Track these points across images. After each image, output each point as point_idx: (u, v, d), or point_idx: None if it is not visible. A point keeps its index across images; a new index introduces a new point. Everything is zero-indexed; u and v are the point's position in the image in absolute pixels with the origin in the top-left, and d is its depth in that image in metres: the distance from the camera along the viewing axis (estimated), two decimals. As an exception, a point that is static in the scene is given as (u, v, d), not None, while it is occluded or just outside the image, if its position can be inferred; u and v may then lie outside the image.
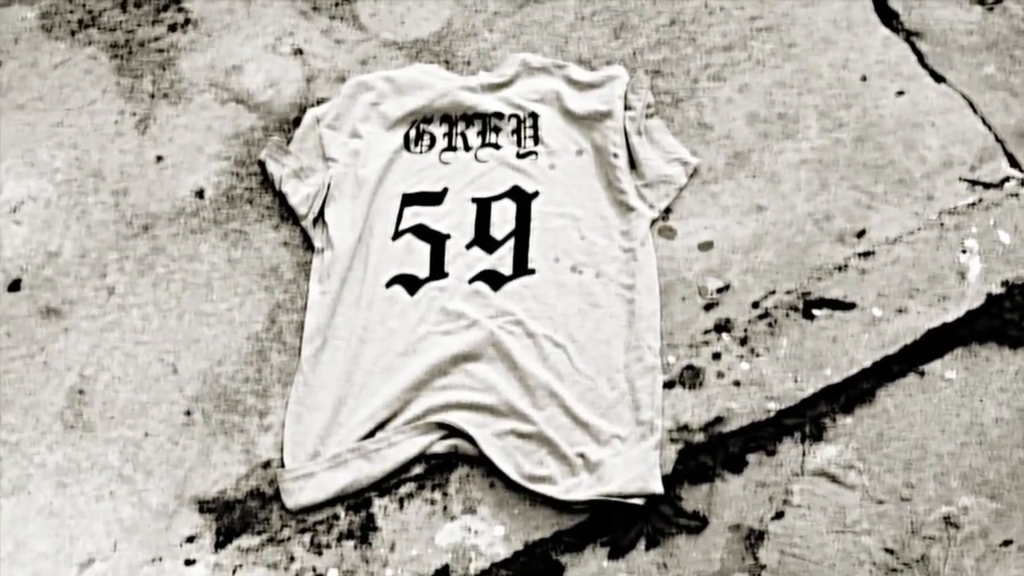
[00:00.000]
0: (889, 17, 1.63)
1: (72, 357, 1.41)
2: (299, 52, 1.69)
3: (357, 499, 1.29)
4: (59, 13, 1.77)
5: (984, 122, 1.51)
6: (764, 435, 1.31)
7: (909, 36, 1.61)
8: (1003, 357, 1.34)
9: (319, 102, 1.61)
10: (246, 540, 1.27)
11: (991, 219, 1.42)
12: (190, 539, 1.27)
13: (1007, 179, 1.46)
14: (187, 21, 1.74)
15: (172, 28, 1.73)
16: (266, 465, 1.32)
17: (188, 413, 1.36)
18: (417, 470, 1.31)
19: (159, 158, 1.58)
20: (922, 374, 1.34)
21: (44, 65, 1.70)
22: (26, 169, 1.57)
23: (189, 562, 1.26)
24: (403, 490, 1.30)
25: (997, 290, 1.37)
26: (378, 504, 1.29)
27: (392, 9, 1.73)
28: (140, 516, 1.29)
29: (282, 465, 1.31)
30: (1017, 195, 1.44)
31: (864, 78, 1.56)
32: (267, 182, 1.54)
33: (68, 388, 1.38)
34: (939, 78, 1.56)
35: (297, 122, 1.59)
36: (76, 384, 1.39)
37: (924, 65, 1.57)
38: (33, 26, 1.75)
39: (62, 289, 1.46)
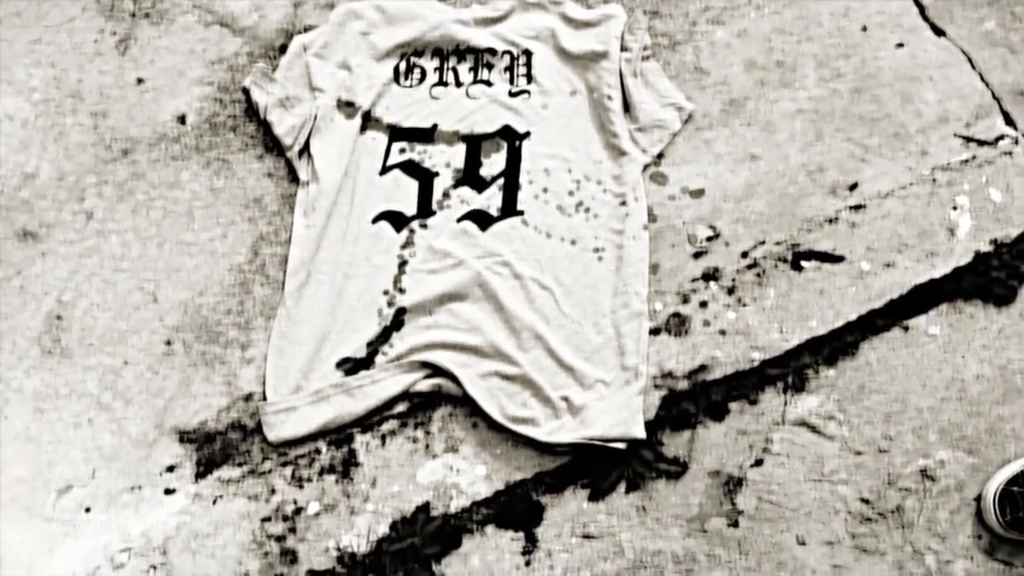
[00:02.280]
0: (893, -34, 1.60)
1: (49, 282, 1.38)
2: (287, -24, 1.63)
3: (339, 434, 1.29)
4: (36, -76, 1.69)
5: (982, 79, 1.49)
6: (747, 384, 1.32)
7: (911, -13, 1.58)
8: (987, 315, 1.35)
9: (306, 29, 1.56)
10: (227, 471, 1.26)
11: (983, 177, 1.42)
12: (170, 468, 1.27)
13: (1001, 137, 1.45)
14: (171, -62, 1.67)
15: (155, -55, 1.67)
16: (247, 398, 1.31)
17: (168, 343, 1.34)
18: (400, 408, 1.31)
19: (140, 80, 1.53)
20: (906, 329, 1.34)
21: (21, -22, 1.63)
22: (2, 87, 1.51)
23: (169, 491, 1.25)
24: (385, 427, 1.30)
25: (985, 248, 1.37)
26: (360, 440, 1.29)
27: (385, -65, 1.67)
28: (119, 444, 1.28)
29: (264, 398, 1.30)
30: (1010, 153, 1.43)
31: (864, 28, 1.54)
32: (251, 110, 1.50)
33: (45, 313, 1.36)
34: (939, 32, 1.54)
35: (283, 49, 1.54)
36: (54, 309, 1.36)
37: (925, 18, 1.55)
38: (9, -64, 1.68)
39: (39, 212, 1.42)
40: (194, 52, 1.55)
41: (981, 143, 1.44)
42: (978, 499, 1.25)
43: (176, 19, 1.58)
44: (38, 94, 1.51)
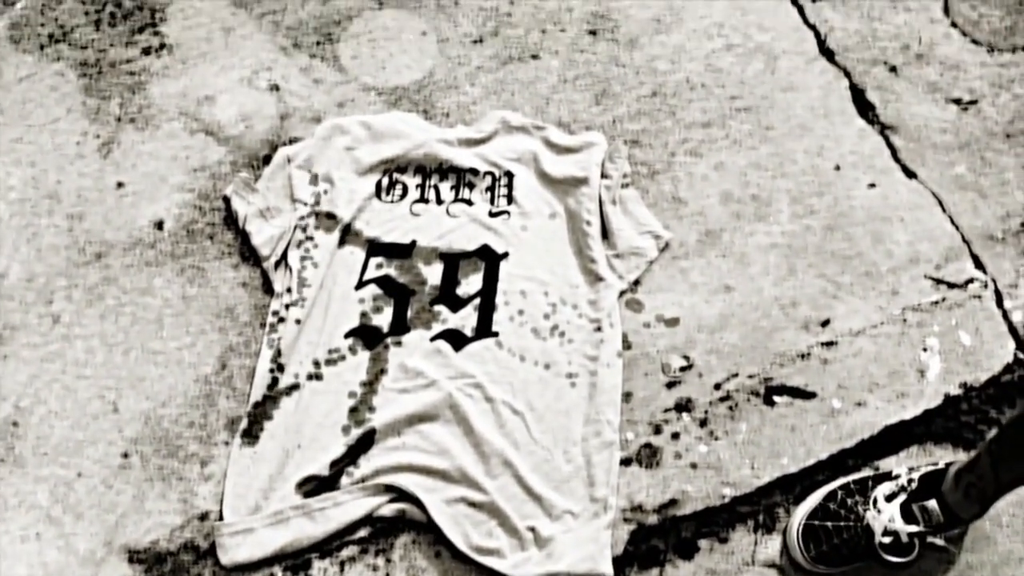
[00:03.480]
0: (866, 109, 1.65)
1: (9, 386, 1.34)
2: (275, 88, 1.65)
3: (296, 559, 1.24)
4: (29, 25, 1.71)
5: (952, 221, 1.53)
6: (718, 521, 1.29)
7: (884, 129, 1.63)
8: (956, 458, 1.34)
9: (291, 141, 1.58)
10: (176, 597, 1.21)
11: (953, 319, 1.44)
12: (116, 591, 1.21)
13: (971, 280, 1.47)
14: (162, 46, 1.70)
15: (146, 51, 1.69)
16: (203, 517, 1.27)
17: (125, 455, 1.30)
18: (361, 533, 1.27)
19: (120, 184, 1.53)
20: (876, 469, 1.33)
21: (8, 77, 1.64)
22: (-22, 184, 1.51)
23: (113, 616, 1.20)
24: (345, 553, 1.25)
25: (955, 391, 1.38)
26: (318, 566, 1.24)
27: (374, 53, 1.71)
28: (66, 561, 1.23)
29: (221, 517, 1.26)
30: (980, 297, 1.46)
31: (838, 167, 1.58)
32: (230, 219, 1.50)
33: (1, 419, 1.32)
34: (911, 174, 1.58)
35: (267, 160, 1.56)
36: (10, 415, 1.32)
37: (897, 159, 1.59)
38: (1, 36, 1.70)
39: (5, 313, 1.40)
40: (177, 159, 1.56)
41: (951, 285, 1.47)
42: (784, 535, 1.26)
43: (162, 125, 1.59)
44: (15, 193, 1.50)
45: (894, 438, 1.36)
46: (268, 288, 1.44)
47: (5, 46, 1.68)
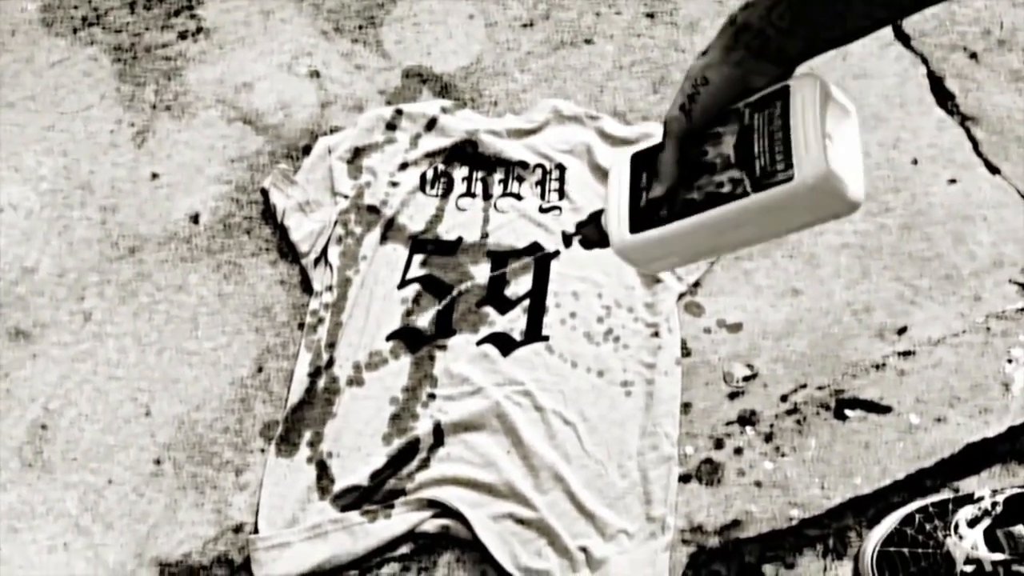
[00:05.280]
0: (945, 98, 1.54)
1: (38, 387, 1.29)
2: (316, 74, 1.58)
3: (334, 577, 1.18)
4: (62, 7, 1.65)
5: (1039, 221, 1.42)
6: (784, 545, 1.21)
7: (964, 120, 1.52)
8: (1046, 482, 1.24)
9: (332, 130, 1.50)
10: (208, 614, 1.15)
11: (1042, 329, 1.33)
12: (146, 608, 1.16)
13: (1061, 286, 1.36)
14: (199, 30, 1.63)
15: (182, 36, 1.62)
16: (238, 529, 1.21)
17: (158, 462, 1.24)
18: (403, 549, 1.20)
19: (154, 175, 1.47)
20: (957, 491, 1.24)
21: (40, 62, 1.58)
22: (9, 174, 1.45)
23: (142, 634, 1.14)
24: (385, 570, 1.19)
25: (1045, 407, 1.28)
26: (357, 584, 1.18)
27: (419, 38, 1.62)
28: (94, 574, 1.17)
29: (256, 530, 1.20)
30: (1071, 305, 1.35)
31: (915, 161, 1.47)
32: (269, 212, 1.43)
33: (30, 421, 1.27)
34: (994, 169, 1.47)
35: (307, 150, 1.48)
36: (39, 418, 1.27)
37: (979, 153, 1.48)
38: (33, 19, 1.64)
39: (35, 310, 1.34)
40: (214, 148, 1.49)
41: (1040, 292, 1.36)
42: (856, 561, 1.17)
43: (198, 113, 1.52)
44: (46, 184, 1.45)
45: (976, 457, 1.26)
46: (307, 286, 1.37)
47: (37, 29, 1.62)
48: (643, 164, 0.77)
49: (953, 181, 1.46)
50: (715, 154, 0.71)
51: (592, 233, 0.83)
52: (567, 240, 0.90)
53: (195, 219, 1.43)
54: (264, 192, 1.44)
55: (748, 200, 0.68)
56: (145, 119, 1.52)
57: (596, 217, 0.82)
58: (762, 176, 0.67)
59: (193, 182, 1.46)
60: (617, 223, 0.77)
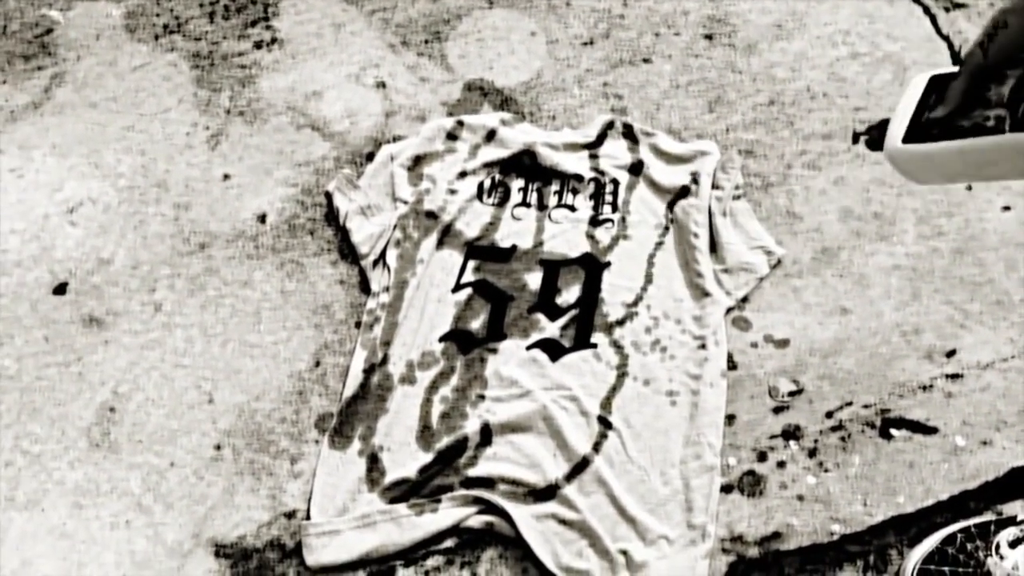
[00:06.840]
0: (1002, 126, 1.54)
1: (108, 371, 1.35)
2: (382, 85, 1.64)
3: (381, 565, 1.22)
4: (145, 14, 1.74)
5: (1095, 251, 1.41)
6: (824, 559, 1.21)
7: (1021, 148, 1.51)
8: (1094, 510, 1.23)
9: (395, 139, 1.56)
10: (259, 595, 1.20)
11: (1095, 357, 1.32)
12: (201, 585, 1.21)
13: (1116, 316, 1.35)
14: (274, 40, 1.70)
15: (258, 45, 1.70)
16: (290, 515, 1.25)
17: (218, 447, 1.30)
18: (448, 543, 1.23)
19: (226, 176, 1.53)
20: (1000, 514, 1.23)
21: (123, 66, 1.67)
22: (89, 170, 1.53)
23: (197, 610, 1.19)
24: (430, 562, 1.22)
25: (1095, 436, 1.27)
26: (402, 573, 1.21)
27: (482, 53, 1.68)
28: (153, 551, 1.22)
29: (307, 517, 1.24)
30: (1125, 334, 1.34)
31: (969, 187, 1.47)
32: (331, 215, 1.48)
33: (99, 404, 1.33)
34: (1050, 197, 1.46)
35: (371, 157, 1.54)
36: (108, 400, 1.33)
37: (1035, 181, 1.48)
38: (117, 24, 1.73)
39: (108, 299, 1.41)
40: (283, 153, 1.55)
41: (1093, 320, 1.35)
42: None
43: (269, 119, 1.59)
44: (124, 180, 1.52)
45: (1021, 481, 1.25)
46: (365, 287, 1.42)
47: (121, 35, 1.71)
48: (936, 86, 0.85)
49: (1007, 208, 1.46)
50: (995, 92, 0.78)
51: (876, 135, 0.90)
52: (855, 137, 0.99)
53: (262, 219, 1.49)
54: (328, 195, 1.49)
55: (1003, 137, 0.75)
56: (219, 123, 1.59)
57: (885, 123, 0.89)
58: (1023, 118, 0.73)
59: (262, 184, 1.52)
60: (895, 132, 0.85)
